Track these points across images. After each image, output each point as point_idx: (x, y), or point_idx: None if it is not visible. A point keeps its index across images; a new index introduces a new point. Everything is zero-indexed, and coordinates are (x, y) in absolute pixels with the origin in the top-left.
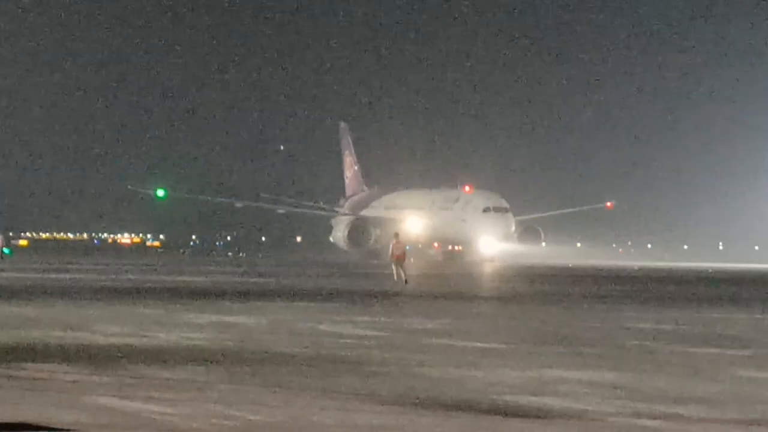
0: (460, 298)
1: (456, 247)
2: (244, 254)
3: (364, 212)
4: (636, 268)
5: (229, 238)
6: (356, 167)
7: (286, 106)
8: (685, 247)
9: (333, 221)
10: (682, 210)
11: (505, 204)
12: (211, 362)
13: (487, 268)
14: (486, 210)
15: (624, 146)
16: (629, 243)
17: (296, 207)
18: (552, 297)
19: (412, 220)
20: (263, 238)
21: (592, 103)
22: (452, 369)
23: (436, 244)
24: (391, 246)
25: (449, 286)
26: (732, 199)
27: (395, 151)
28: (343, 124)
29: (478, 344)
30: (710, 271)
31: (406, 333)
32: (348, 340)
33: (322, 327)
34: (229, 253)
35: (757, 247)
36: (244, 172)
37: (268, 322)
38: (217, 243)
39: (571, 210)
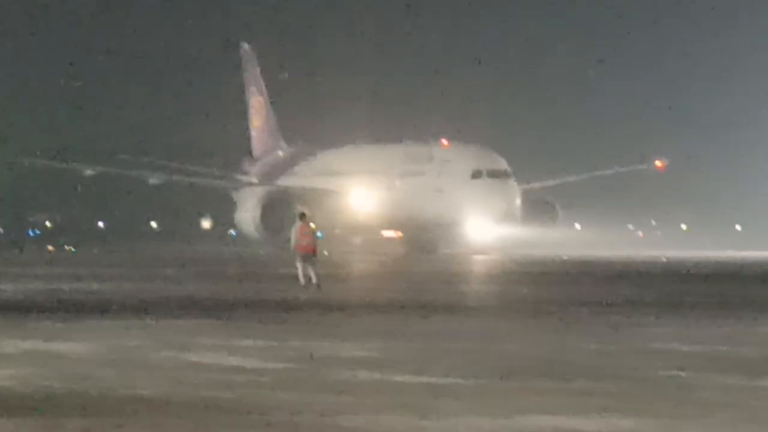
0: (408, 310)
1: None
2: (73, 248)
3: (284, 180)
4: (664, 259)
5: (48, 223)
6: (269, 112)
7: (160, 21)
8: (738, 227)
9: (236, 195)
10: (734, 176)
11: (503, 165)
12: (21, 413)
13: (474, 265)
14: (477, 175)
15: (662, 89)
16: (653, 223)
17: (179, 174)
18: (546, 305)
19: (360, 193)
20: (101, 224)
21: (620, 27)
22: (385, 417)
23: (392, 232)
24: (294, 232)
25: (397, 293)
26: None
27: (329, 88)
28: (246, 47)
29: (426, 379)
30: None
31: (318, 364)
32: (228, 376)
33: (191, 356)
34: (49, 247)
35: None
36: (93, 126)
37: (108, 349)
38: (30, 232)
39: (600, 173)
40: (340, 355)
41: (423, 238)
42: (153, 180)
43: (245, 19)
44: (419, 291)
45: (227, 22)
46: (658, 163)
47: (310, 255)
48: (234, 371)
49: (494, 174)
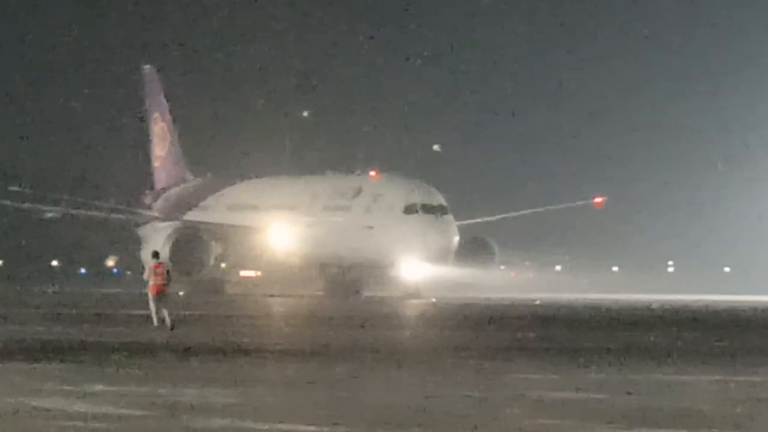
0: (275, 355)
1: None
2: None
3: (192, 215)
4: (537, 302)
5: None
6: (173, 140)
7: (50, 42)
8: (615, 269)
9: (142, 231)
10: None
11: (440, 199)
12: None
13: (392, 308)
14: (410, 210)
15: (608, 119)
16: (527, 264)
17: (76, 208)
18: (440, 352)
19: (278, 230)
20: None
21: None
22: None
23: (251, 272)
24: (147, 271)
25: (271, 337)
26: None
27: (242, 115)
28: (148, 68)
29: (287, 426)
30: (652, 306)
31: (173, 410)
32: (79, 423)
33: (39, 402)
34: None
35: None
36: None
37: None
38: None
39: (534, 210)
40: (195, 401)
41: (345, 279)
42: (50, 214)
43: (147, 39)
44: (299, 336)
45: (128, 42)
46: (597, 200)
47: (163, 295)
48: (83, 418)
49: (430, 209)
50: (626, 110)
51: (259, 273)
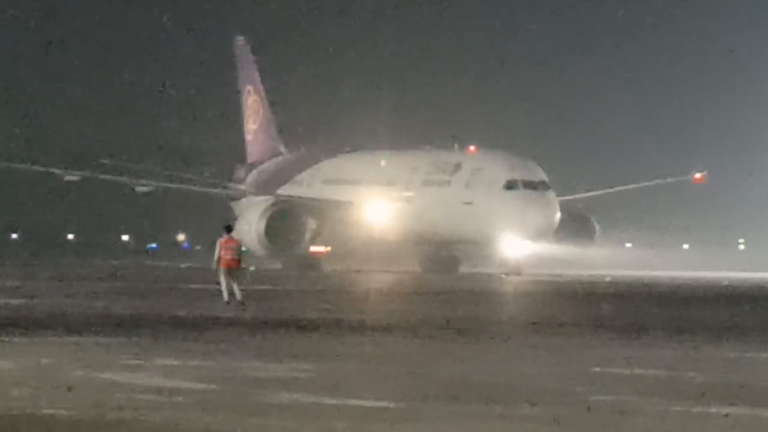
0: (346, 329)
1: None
2: None
3: (286, 190)
4: (608, 279)
5: None
6: (266, 113)
7: (139, 11)
8: (685, 246)
9: (236, 206)
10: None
11: (541, 175)
12: None
13: (499, 285)
14: (511, 185)
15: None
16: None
17: (173, 182)
18: (516, 327)
19: (377, 205)
20: (14, 235)
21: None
22: None
23: (321, 247)
24: (217, 246)
25: (342, 312)
26: None
27: (336, 87)
28: (241, 40)
29: (358, 402)
30: (725, 283)
31: (243, 384)
32: (149, 396)
33: (110, 375)
34: None
35: None
36: (72, 127)
37: (20, 367)
38: None
39: (633, 186)
40: (266, 375)
41: (442, 255)
42: (143, 188)
43: (240, 9)
44: (369, 311)
45: (220, 12)
46: (697, 175)
47: (234, 270)
48: (153, 391)
49: (531, 185)
50: (708, 87)
51: (328, 248)
